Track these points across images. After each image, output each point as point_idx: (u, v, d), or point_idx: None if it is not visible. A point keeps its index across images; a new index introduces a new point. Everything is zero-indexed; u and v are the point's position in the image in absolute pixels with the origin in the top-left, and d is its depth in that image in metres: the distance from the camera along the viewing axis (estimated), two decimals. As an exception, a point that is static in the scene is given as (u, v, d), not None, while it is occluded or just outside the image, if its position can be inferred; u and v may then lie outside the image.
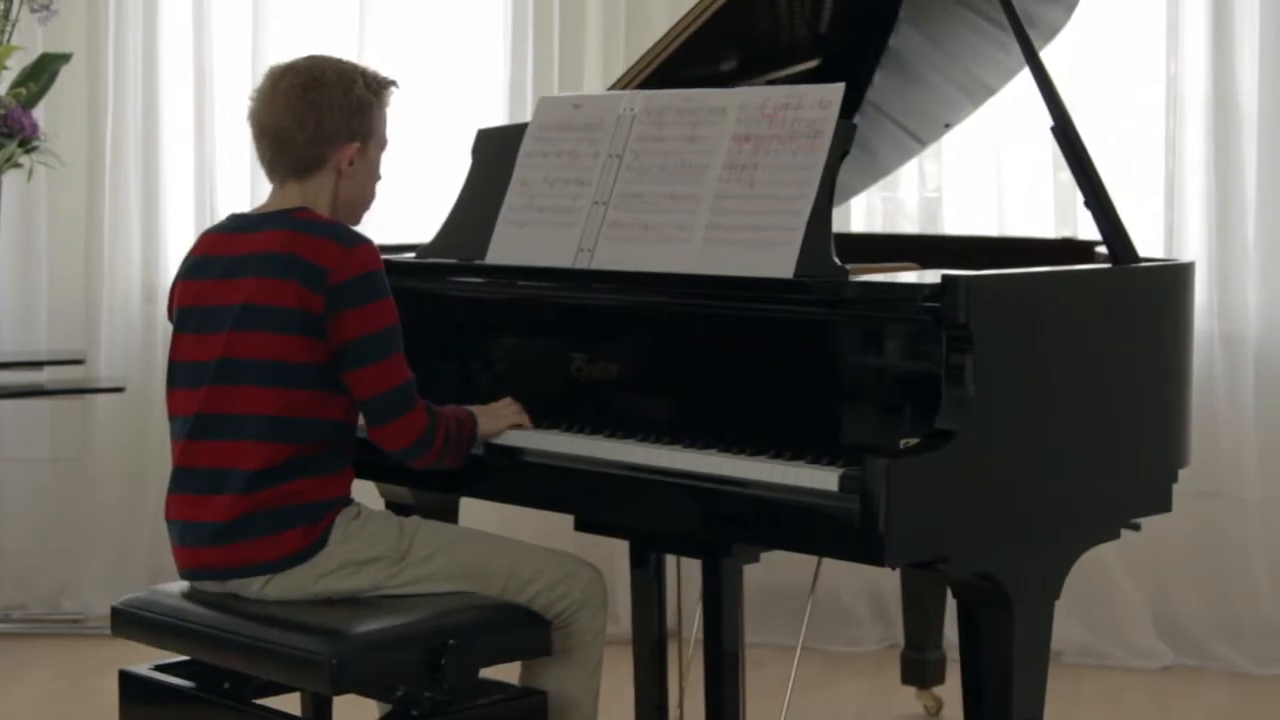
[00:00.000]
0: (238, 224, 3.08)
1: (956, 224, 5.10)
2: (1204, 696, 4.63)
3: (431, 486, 3.43)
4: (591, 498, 3.09)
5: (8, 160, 4.58)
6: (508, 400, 3.18)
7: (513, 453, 3.13)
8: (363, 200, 3.12)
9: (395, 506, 3.56)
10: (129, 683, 3.12)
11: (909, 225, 5.16)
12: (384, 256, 3.03)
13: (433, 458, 3.01)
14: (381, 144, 3.11)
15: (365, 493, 3.22)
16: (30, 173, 4.69)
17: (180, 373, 3.04)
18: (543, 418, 3.16)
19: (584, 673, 3.08)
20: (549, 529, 3.94)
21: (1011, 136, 5.00)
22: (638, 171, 3.19)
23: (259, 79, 3.09)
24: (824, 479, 2.70)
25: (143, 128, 5.32)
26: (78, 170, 5.24)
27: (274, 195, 3.09)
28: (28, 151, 4.64)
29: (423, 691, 2.88)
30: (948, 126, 4.23)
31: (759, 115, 3.09)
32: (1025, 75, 3.24)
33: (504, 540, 3.13)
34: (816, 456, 2.81)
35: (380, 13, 5.31)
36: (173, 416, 3.05)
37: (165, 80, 5.33)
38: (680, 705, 3.54)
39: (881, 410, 2.85)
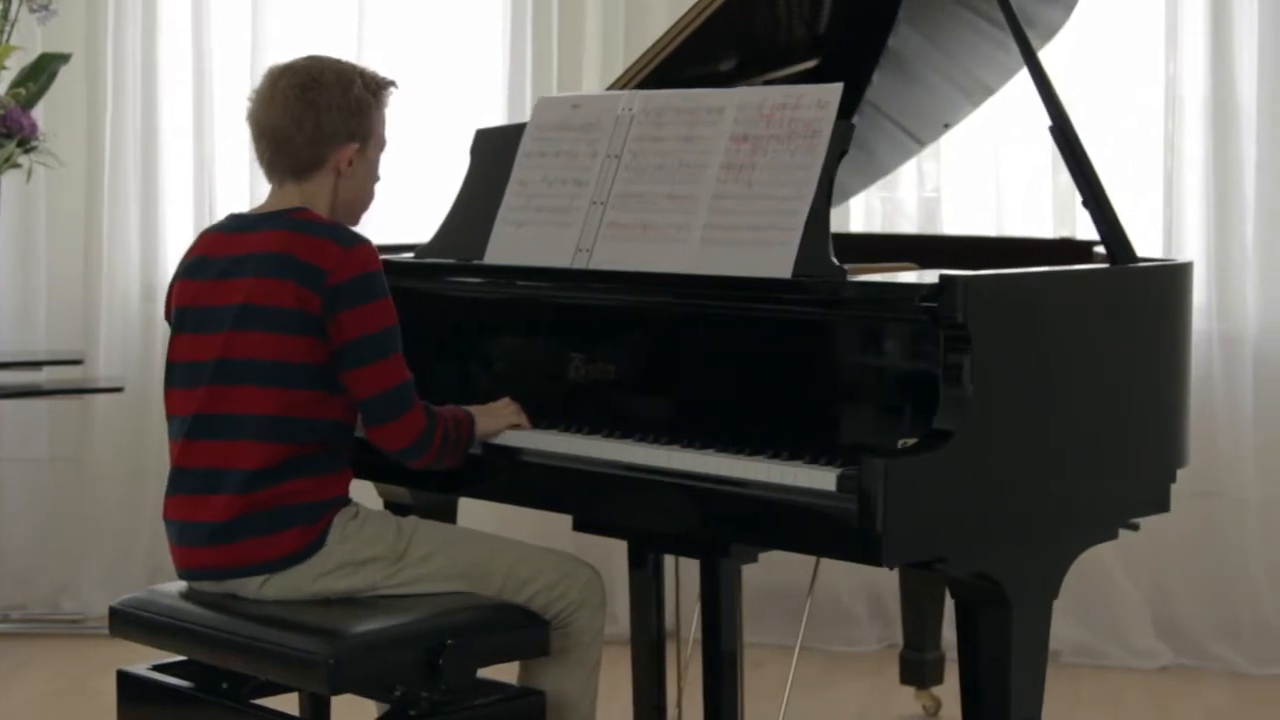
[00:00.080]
0: (236, 224, 3.08)
1: (955, 224, 5.10)
2: (1203, 696, 4.63)
3: (430, 486, 3.43)
4: (590, 498, 3.09)
5: (7, 160, 4.58)
6: (506, 400, 3.18)
7: (511, 453, 3.13)
8: (361, 201, 3.12)
9: (393, 506, 3.56)
10: (127, 683, 3.12)
11: (908, 225, 5.16)
12: (382, 256, 3.03)
13: (431, 458, 3.01)
14: (380, 144, 3.11)
15: (364, 493, 3.22)
16: (29, 173, 4.69)
17: (178, 373, 3.04)
18: (541, 418, 3.16)
19: (582, 673, 3.08)
20: (547, 529, 3.94)
21: (1010, 137, 5.00)
22: (636, 171, 3.19)
23: (258, 79, 3.09)
24: (822, 479, 2.70)
25: (142, 128, 5.32)
26: (77, 170, 5.24)
27: (272, 195, 3.09)
28: (27, 151, 4.64)
29: (420, 691, 2.88)
30: (946, 126, 4.23)
31: (757, 115, 3.09)
32: (1024, 75, 3.24)
33: (502, 540, 3.13)
34: (814, 456, 2.81)
35: (379, 13, 5.31)
36: (170, 416, 3.05)
37: (164, 80, 5.33)
38: (679, 705, 3.54)
39: (879, 410, 2.85)
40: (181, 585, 3.09)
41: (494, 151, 3.45)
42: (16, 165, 4.63)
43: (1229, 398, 4.86)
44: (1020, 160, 5.07)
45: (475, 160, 3.51)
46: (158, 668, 3.11)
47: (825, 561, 3.33)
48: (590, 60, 5.15)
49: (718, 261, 3.02)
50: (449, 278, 3.41)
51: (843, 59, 3.83)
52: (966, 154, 5.09)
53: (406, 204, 4.98)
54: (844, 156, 3.02)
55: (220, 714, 3.00)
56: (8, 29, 4.71)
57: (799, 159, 3.01)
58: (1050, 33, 3.90)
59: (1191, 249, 4.85)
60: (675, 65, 3.55)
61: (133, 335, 5.34)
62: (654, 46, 3.59)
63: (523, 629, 3.00)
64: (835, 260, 2.93)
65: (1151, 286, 3.18)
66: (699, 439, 2.96)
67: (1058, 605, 2.99)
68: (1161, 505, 3.15)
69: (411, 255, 3.52)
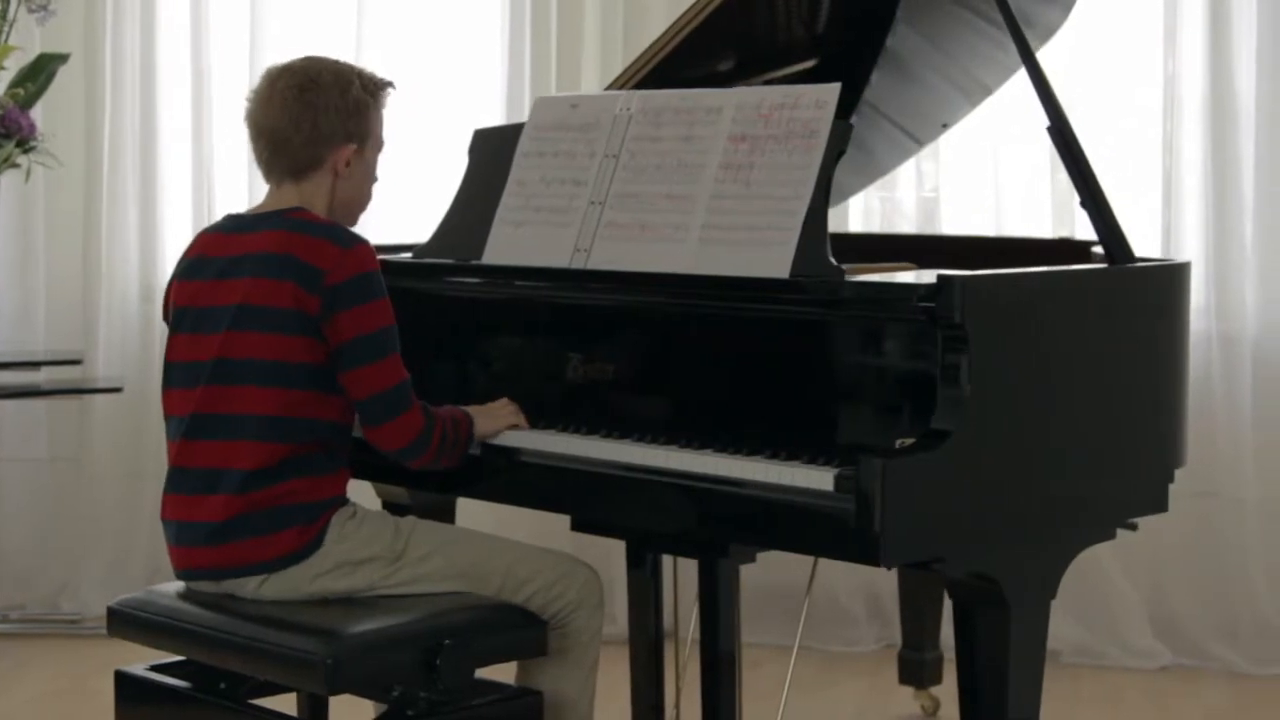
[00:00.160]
0: (234, 224, 3.08)
1: (954, 224, 5.10)
2: (1202, 696, 4.63)
3: (428, 487, 3.43)
4: (588, 498, 3.09)
5: (5, 161, 4.57)
6: (504, 401, 3.18)
7: (509, 453, 3.13)
8: (359, 201, 3.12)
9: (392, 506, 3.56)
10: (125, 683, 3.12)
11: (906, 225, 5.16)
12: (381, 257, 3.03)
13: (429, 458, 3.01)
14: (378, 145, 3.11)
15: (362, 493, 3.22)
16: (28, 173, 4.69)
17: (176, 373, 3.04)
18: (539, 418, 3.16)
19: (580, 673, 3.08)
20: (546, 529, 3.94)
21: (1009, 136, 5.01)
22: (634, 171, 3.19)
23: (257, 79, 3.09)
24: (819, 479, 2.70)
25: (140, 128, 5.32)
26: (75, 170, 5.24)
27: (270, 196, 3.09)
28: (25, 152, 4.63)
29: (418, 692, 2.88)
30: (945, 126, 4.23)
31: (755, 115, 3.09)
32: (1023, 75, 3.24)
33: (500, 540, 3.13)
34: (812, 456, 2.81)
35: (378, 13, 5.31)
36: (168, 417, 3.05)
37: (163, 80, 5.33)
38: (677, 705, 3.54)
39: (877, 410, 2.85)
40: (179, 585, 3.09)
41: (492, 151, 3.45)
42: (15, 165, 4.62)
43: (1228, 398, 4.86)
44: (1019, 160, 5.07)
45: (473, 160, 3.51)
46: (156, 668, 3.11)
47: (823, 561, 3.33)
48: (589, 60, 5.15)
49: (716, 261, 3.02)
50: (447, 278, 3.41)
51: (841, 59, 3.83)
52: (965, 154, 5.09)
53: (405, 204, 4.98)
54: (842, 156, 3.02)
55: (218, 714, 3.00)
56: (6, 29, 4.71)
57: (797, 159, 3.01)
58: (1049, 33, 3.90)
59: (1190, 249, 4.85)
60: (673, 65, 3.55)
61: (131, 335, 5.34)
62: (652, 46, 3.59)
63: (521, 629, 3.00)
64: (833, 260, 2.93)
65: (1149, 286, 3.18)
66: (697, 439, 2.96)
67: (1056, 605, 2.99)
68: (1159, 505, 3.15)
69: (410, 255, 3.52)
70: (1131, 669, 4.84)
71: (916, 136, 4.22)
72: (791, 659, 3.63)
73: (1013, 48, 3.21)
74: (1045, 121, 3.17)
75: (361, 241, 2.98)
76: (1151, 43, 4.95)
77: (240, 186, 5.27)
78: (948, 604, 2.99)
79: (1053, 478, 2.91)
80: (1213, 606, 4.88)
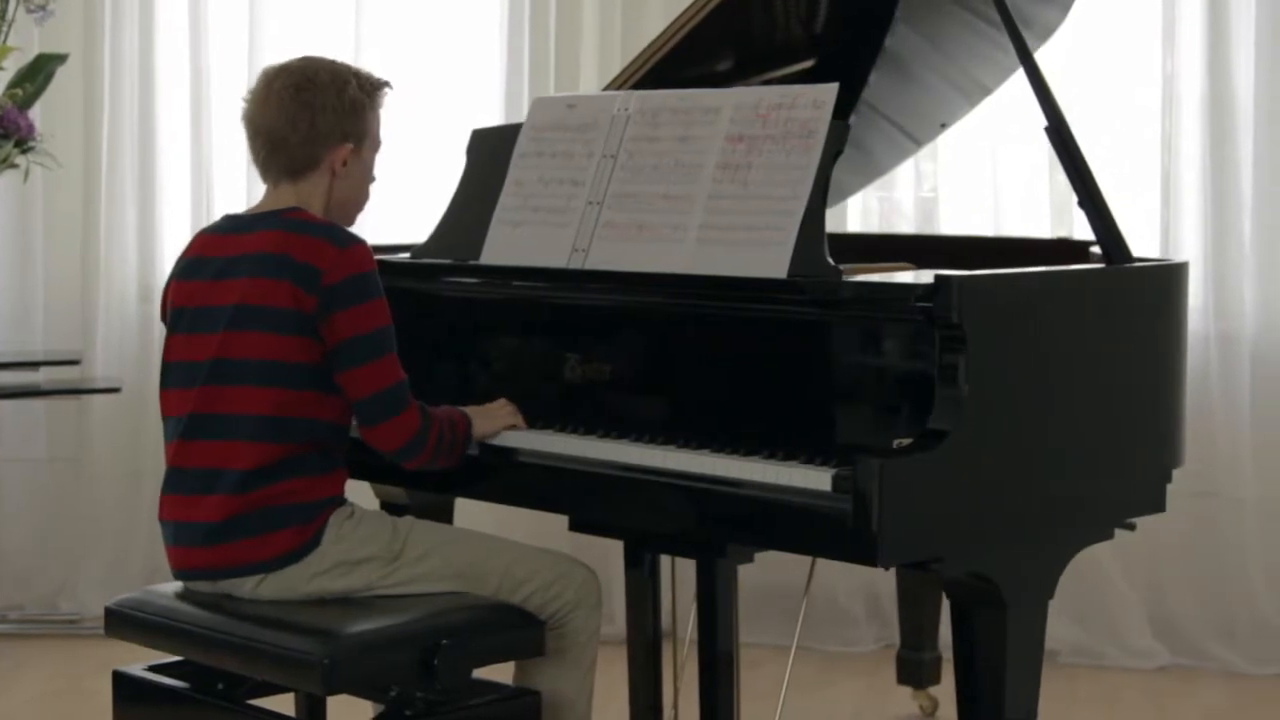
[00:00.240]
0: (231, 225, 3.08)
1: (953, 224, 5.10)
2: (1200, 696, 4.63)
3: (426, 487, 3.43)
4: (586, 498, 3.09)
5: (4, 161, 4.57)
6: (502, 401, 3.18)
7: (507, 453, 3.13)
8: (356, 201, 3.12)
9: (390, 507, 3.56)
10: (122, 683, 3.12)
11: (905, 225, 5.16)
12: (378, 257, 3.03)
13: (425, 458, 3.01)
14: (375, 145, 3.11)
15: (360, 493, 3.22)
16: (26, 173, 4.69)
17: (173, 373, 3.04)
18: (537, 418, 3.16)
19: (578, 673, 3.08)
20: (544, 529, 3.94)
21: (1008, 136, 5.00)
22: (632, 171, 3.20)
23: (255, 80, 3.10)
24: (817, 479, 2.70)
25: (139, 128, 5.32)
26: (74, 171, 5.24)
27: (268, 196, 3.09)
28: (24, 152, 4.63)
29: (416, 692, 2.88)
30: (944, 126, 4.23)
31: (753, 115, 3.09)
32: (1022, 75, 3.24)
33: (498, 540, 3.13)
34: (810, 457, 2.81)
35: (376, 13, 5.31)
36: (166, 417, 3.05)
37: (161, 81, 5.33)
38: (675, 705, 3.54)
39: (875, 410, 2.85)
40: (177, 585, 3.09)
41: (490, 151, 3.45)
42: (14, 166, 4.62)
43: (1226, 397, 4.86)
44: (1018, 160, 5.07)
45: (471, 160, 3.51)
46: (153, 668, 3.11)
47: (822, 561, 3.33)
48: (587, 60, 5.15)
49: (713, 261, 3.02)
50: (445, 278, 3.41)
51: (839, 59, 3.83)
52: (964, 154, 5.09)
53: (403, 204, 4.97)
54: (840, 156, 3.02)
55: (216, 714, 3.00)
56: (5, 29, 4.70)
57: (794, 159, 3.01)
58: (1047, 33, 3.90)
59: (1189, 248, 4.85)
60: (672, 65, 3.55)
61: (130, 336, 5.34)
62: (650, 46, 3.59)
63: (518, 629, 3.00)
64: (831, 260, 2.93)
65: (1147, 286, 3.18)
66: (695, 439, 2.96)
67: (1055, 606, 2.99)
68: (1157, 505, 3.15)
69: (408, 255, 3.52)
70: (1130, 669, 4.84)
71: (915, 136, 4.22)
72: (790, 659, 3.63)
73: (1011, 48, 3.21)
74: (1043, 121, 3.17)
75: (359, 241, 2.98)
76: (1150, 42, 4.95)
77: (239, 187, 5.27)
78: (946, 604, 2.99)
79: (1050, 478, 2.91)
80: (1211, 606, 4.88)
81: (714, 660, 3.15)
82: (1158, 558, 4.87)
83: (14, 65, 4.74)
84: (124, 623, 3.12)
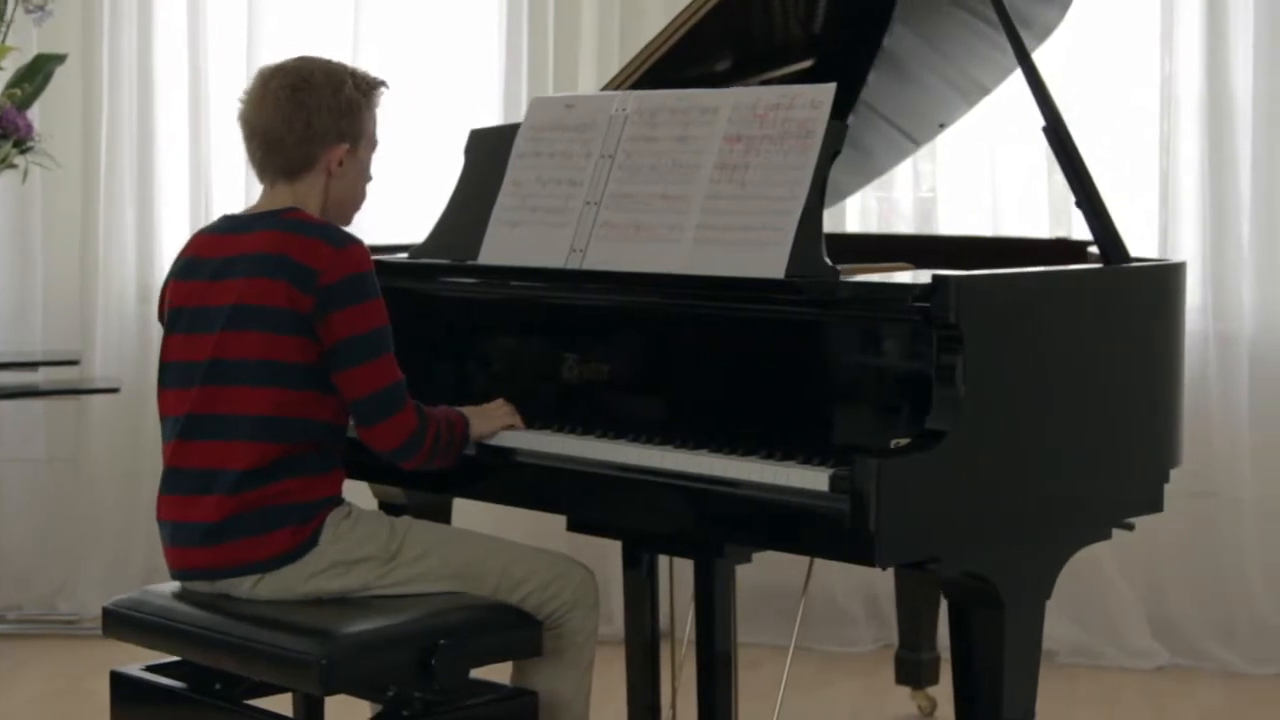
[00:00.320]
0: (229, 225, 3.08)
1: (951, 224, 5.10)
2: (1198, 696, 4.63)
3: (424, 487, 3.43)
4: (583, 498, 3.09)
5: (3, 161, 4.57)
6: (500, 401, 3.18)
7: (505, 453, 3.13)
8: (353, 201, 3.12)
9: (388, 507, 3.56)
10: (120, 683, 3.12)
11: (904, 225, 5.16)
12: (376, 257, 3.03)
13: (422, 458, 3.01)
14: (371, 145, 3.11)
15: (358, 493, 3.22)
16: (25, 174, 4.69)
17: (171, 373, 3.04)
18: (535, 418, 3.16)
19: (575, 673, 3.08)
20: (541, 529, 3.94)
21: (1006, 136, 5.01)
22: (629, 172, 3.20)
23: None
24: (815, 479, 2.70)
25: (138, 128, 5.32)
26: (73, 171, 5.24)
27: (264, 196, 3.09)
28: (23, 152, 4.63)
29: (413, 692, 2.88)
30: (942, 126, 4.23)
31: (750, 115, 3.09)
32: (1020, 75, 3.24)
33: (496, 540, 3.13)
34: (807, 457, 2.81)
35: (375, 12, 5.31)
36: (164, 417, 3.05)
37: (160, 81, 5.33)
38: (673, 706, 3.54)
39: (873, 410, 2.85)
40: (175, 586, 3.09)
41: (488, 151, 3.45)
42: (12, 166, 4.62)
43: (1224, 397, 4.86)
44: (1016, 160, 5.08)
45: (469, 160, 3.51)
46: (151, 668, 3.11)
47: (820, 561, 3.33)
48: (586, 60, 5.15)
49: (711, 262, 3.02)
50: (443, 278, 3.41)
51: (838, 59, 3.83)
52: (962, 154, 5.09)
53: (400, 204, 4.98)
54: (838, 156, 3.02)
55: (213, 714, 3.00)
56: (3, 29, 4.70)
57: (792, 159, 3.01)
58: (1046, 33, 3.90)
59: (1187, 249, 4.85)
60: (670, 65, 3.55)
61: (129, 336, 5.34)
62: (648, 46, 3.59)
63: (516, 629, 3.00)
64: (828, 260, 2.93)
65: (1145, 286, 3.18)
66: (692, 439, 2.96)
67: (1053, 605, 2.99)
68: (1155, 505, 3.14)
69: (405, 255, 3.52)
70: (1128, 669, 4.84)
71: (913, 136, 4.22)
72: (788, 659, 3.63)
73: (1010, 48, 3.21)
74: (1042, 122, 3.17)
75: (355, 241, 2.98)
76: (1148, 43, 4.95)
77: (237, 187, 5.27)
78: (944, 604, 2.99)
79: (1048, 478, 2.91)
80: (1209, 606, 4.88)
81: (712, 660, 3.15)
82: (1156, 558, 4.87)
83: (13, 65, 4.74)
84: (122, 623, 3.12)
